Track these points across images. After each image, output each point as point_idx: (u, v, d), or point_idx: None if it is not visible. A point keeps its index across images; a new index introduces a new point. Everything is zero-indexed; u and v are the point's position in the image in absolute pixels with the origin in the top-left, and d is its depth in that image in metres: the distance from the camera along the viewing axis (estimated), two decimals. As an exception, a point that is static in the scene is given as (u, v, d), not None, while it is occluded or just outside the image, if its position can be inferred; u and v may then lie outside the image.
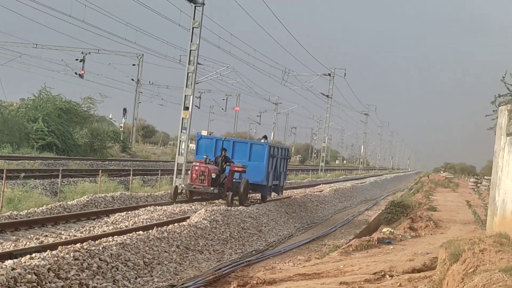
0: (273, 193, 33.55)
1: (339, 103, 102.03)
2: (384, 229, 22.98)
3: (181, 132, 34.73)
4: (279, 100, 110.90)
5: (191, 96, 34.51)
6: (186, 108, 34.35)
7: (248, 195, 30.30)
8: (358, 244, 18.56)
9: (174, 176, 34.86)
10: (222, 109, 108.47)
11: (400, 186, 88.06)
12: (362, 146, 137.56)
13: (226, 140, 30.42)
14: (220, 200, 28.85)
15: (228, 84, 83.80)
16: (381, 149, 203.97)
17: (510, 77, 19.95)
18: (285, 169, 34.70)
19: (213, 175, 27.05)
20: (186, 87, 34.57)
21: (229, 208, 24.20)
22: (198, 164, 27.41)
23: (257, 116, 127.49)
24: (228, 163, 28.30)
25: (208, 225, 20.65)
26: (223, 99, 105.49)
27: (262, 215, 26.70)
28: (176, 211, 24.05)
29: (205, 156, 27.96)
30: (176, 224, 19.52)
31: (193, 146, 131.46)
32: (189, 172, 28.42)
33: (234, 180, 28.70)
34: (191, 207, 25.86)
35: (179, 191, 28.76)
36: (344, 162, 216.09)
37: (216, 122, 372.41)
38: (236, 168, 28.30)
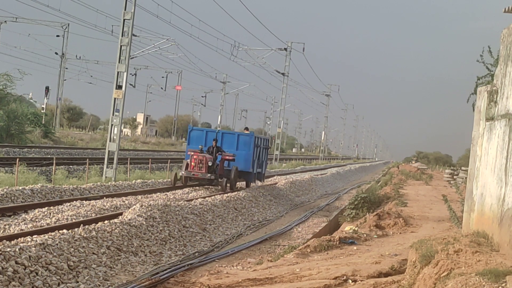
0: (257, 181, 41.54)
1: (297, 83, 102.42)
2: (347, 227, 23.15)
3: (113, 114, 34.54)
4: (228, 79, 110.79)
5: (125, 73, 34.29)
6: (119, 87, 34.14)
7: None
8: (317, 244, 18.66)
9: (105, 166, 34.72)
10: (162, 88, 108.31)
11: (366, 178, 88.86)
12: (323, 132, 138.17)
13: (214, 132, 38.73)
14: (169, 192, 32.48)
15: (168, 59, 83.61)
16: (345, 136, 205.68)
17: (489, 55, 20.23)
18: (266, 158, 43.63)
19: (209, 163, 34.57)
20: (119, 62, 34.33)
21: (168, 203, 24.18)
22: (195, 153, 34.65)
23: (202, 96, 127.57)
24: (220, 152, 35.89)
25: (144, 223, 20.57)
26: (163, 77, 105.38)
27: (206, 211, 26.72)
28: (107, 207, 23.93)
29: (200, 146, 35.59)
30: (106, 221, 19.39)
31: (127, 131, 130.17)
32: (184, 161, 35.79)
33: (224, 167, 36.04)
34: (124, 201, 25.78)
35: (178, 177, 35.09)
36: (302, 150, 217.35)
37: (154, 104, 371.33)
38: (227, 157, 36.01)
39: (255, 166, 39.31)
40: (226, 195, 32.04)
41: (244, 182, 39.73)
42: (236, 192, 34.26)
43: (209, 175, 34.34)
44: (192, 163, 34.38)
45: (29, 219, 20.64)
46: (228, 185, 35.81)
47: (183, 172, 34.82)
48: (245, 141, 38.32)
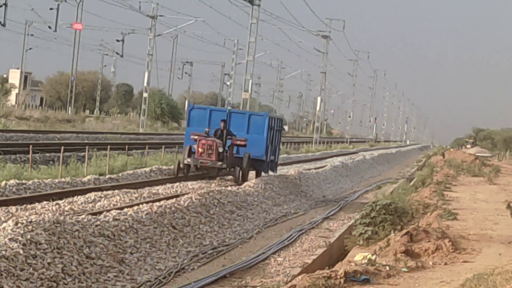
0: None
1: (275, 17, 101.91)
2: (358, 255, 23.26)
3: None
4: (160, 11, 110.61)
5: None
6: (-22, 26, 34.07)
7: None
8: (309, 284, 18.76)
9: None
10: (50, 27, 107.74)
11: (391, 173, 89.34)
12: (319, 98, 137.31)
13: (221, 111, 49.85)
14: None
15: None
16: (355, 104, 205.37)
17: None
18: (279, 142, 55.83)
19: (220, 149, 43.99)
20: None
21: (62, 219, 24.08)
22: (203, 137, 44.26)
23: (118, 41, 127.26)
24: (229, 137, 45.51)
25: (21, 252, 20.51)
26: (52, 9, 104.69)
27: (125, 232, 26.53)
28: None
29: (206, 129, 45.32)
30: (-43, 251, 19.37)
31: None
32: (185, 146, 46.09)
33: (233, 154, 46.23)
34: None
35: (181, 166, 45.29)
36: (285, 128, 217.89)
37: (37, 53, 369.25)
38: (238, 142, 46.19)
39: (269, 153, 50.03)
40: (157, 204, 31.91)
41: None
42: (174, 200, 34.00)
43: (219, 163, 44.41)
44: (200, 149, 44.23)
45: None
46: (241, 175, 45.94)
47: (188, 160, 45.01)
48: (258, 123, 48.77)
